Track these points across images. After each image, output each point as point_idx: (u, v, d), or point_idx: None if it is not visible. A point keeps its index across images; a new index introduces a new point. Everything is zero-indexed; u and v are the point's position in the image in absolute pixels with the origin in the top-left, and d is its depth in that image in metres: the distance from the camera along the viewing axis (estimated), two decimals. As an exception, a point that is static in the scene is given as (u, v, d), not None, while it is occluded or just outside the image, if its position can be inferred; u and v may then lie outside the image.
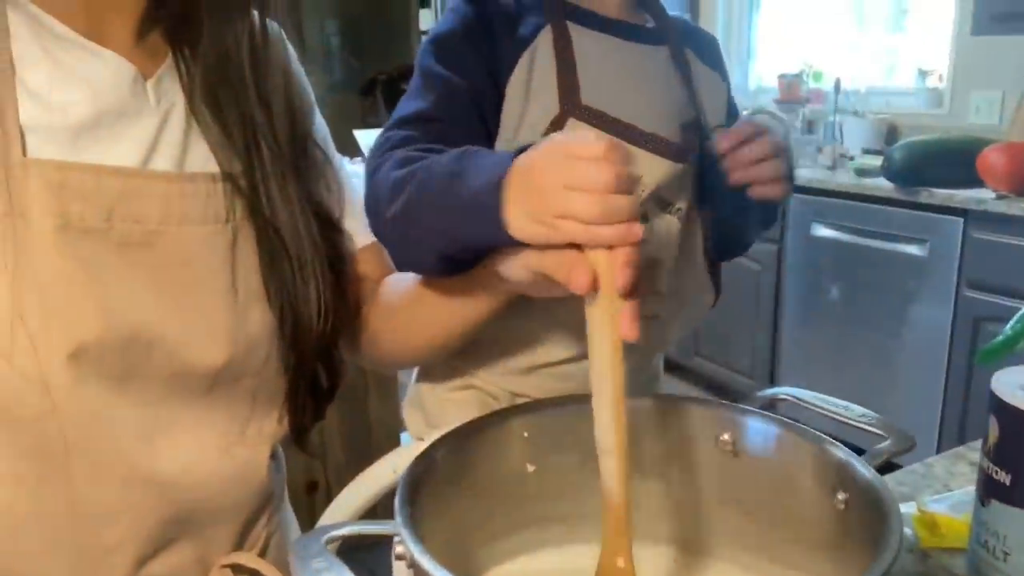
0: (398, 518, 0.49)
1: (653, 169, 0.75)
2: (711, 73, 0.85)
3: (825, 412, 0.64)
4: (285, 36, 0.72)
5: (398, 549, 0.49)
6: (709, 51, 0.87)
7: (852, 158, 2.96)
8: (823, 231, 2.82)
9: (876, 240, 2.66)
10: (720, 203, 0.83)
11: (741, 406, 0.63)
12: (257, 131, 0.65)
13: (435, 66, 0.73)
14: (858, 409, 0.63)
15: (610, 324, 0.51)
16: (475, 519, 0.59)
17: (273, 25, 0.69)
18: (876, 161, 2.68)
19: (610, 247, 0.51)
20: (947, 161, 2.50)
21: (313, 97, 0.76)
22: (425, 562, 0.45)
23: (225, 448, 0.65)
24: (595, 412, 0.54)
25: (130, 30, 0.61)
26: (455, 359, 0.83)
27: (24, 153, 0.53)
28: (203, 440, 0.64)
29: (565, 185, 0.51)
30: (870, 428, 0.61)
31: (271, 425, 0.69)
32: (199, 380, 0.63)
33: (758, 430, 0.62)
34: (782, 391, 0.66)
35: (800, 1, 3.69)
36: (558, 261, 0.57)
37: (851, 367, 2.79)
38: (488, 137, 0.74)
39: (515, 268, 0.64)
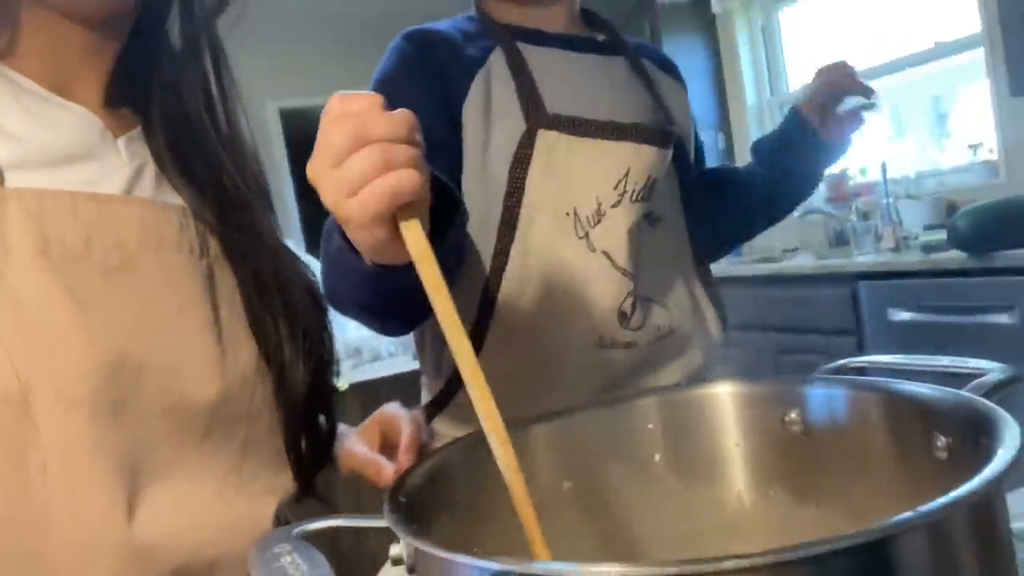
0: (388, 509, 0.41)
1: (643, 159, 0.73)
2: (672, 81, 0.87)
3: (907, 368, 0.53)
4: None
5: (393, 551, 0.40)
6: (666, 63, 0.88)
7: (916, 237, 2.84)
8: (901, 315, 2.65)
9: (959, 315, 2.48)
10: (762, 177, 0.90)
11: (798, 377, 0.53)
12: (223, 175, 0.65)
13: None
14: (945, 358, 0.52)
15: (436, 287, 0.44)
16: (488, 527, 0.49)
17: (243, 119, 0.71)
18: (941, 235, 2.56)
19: (403, 207, 0.44)
20: (1018, 221, 2.36)
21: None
22: (429, 547, 0.35)
23: (222, 497, 0.60)
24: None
25: (96, 94, 0.63)
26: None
27: (2, 184, 0.54)
28: (199, 486, 0.59)
29: (326, 164, 0.45)
30: (966, 370, 0.50)
31: (276, 479, 0.64)
32: (194, 419, 0.59)
33: (825, 398, 0.51)
34: (853, 360, 0.56)
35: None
36: (363, 462, 0.71)
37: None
38: (447, 172, 0.69)
39: (343, 470, 0.72)
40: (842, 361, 0.56)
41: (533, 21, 0.77)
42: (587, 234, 0.72)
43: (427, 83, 0.71)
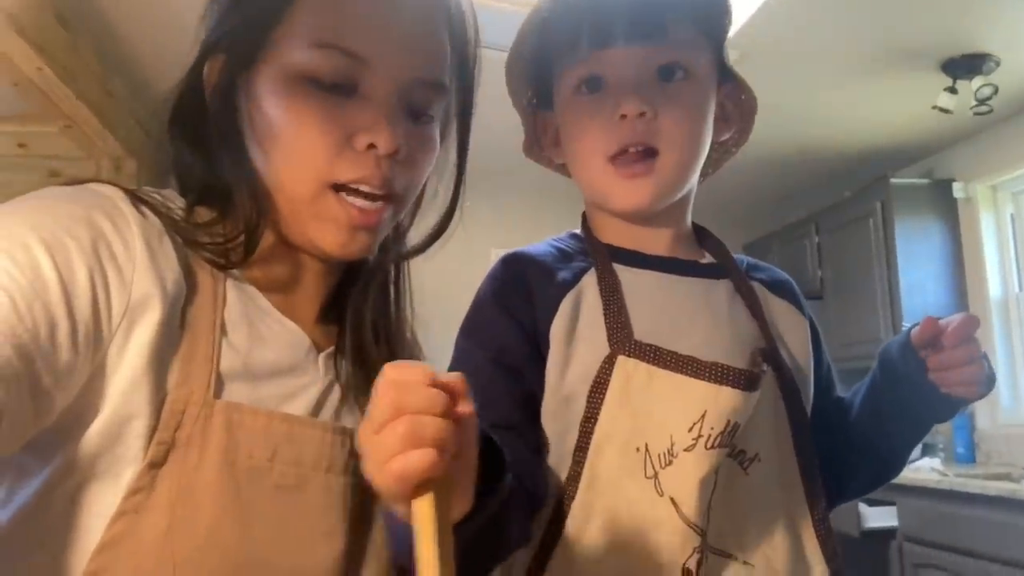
0: None
1: (721, 401, 0.65)
2: (786, 306, 0.79)
3: None
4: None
5: None
6: (783, 287, 0.80)
7: None
8: None
9: None
10: (865, 428, 0.77)
11: None
12: None
13: (462, 342, 0.73)
14: None
15: (428, 565, 0.44)
16: None
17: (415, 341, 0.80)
18: None
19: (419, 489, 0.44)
20: None
21: None
22: None
23: None
24: None
25: (314, 310, 0.74)
26: None
27: (218, 396, 0.62)
28: None
29: (368, 431, 0.46)
30: None
31: None
32: None
33: None
34: None
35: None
36: None
37: None
38: (527, 396, 0.70)
39: None
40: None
41: (637, 240, 0.75)
42: (656, 475, 0.66)
43: (516, 309, 0.71)
